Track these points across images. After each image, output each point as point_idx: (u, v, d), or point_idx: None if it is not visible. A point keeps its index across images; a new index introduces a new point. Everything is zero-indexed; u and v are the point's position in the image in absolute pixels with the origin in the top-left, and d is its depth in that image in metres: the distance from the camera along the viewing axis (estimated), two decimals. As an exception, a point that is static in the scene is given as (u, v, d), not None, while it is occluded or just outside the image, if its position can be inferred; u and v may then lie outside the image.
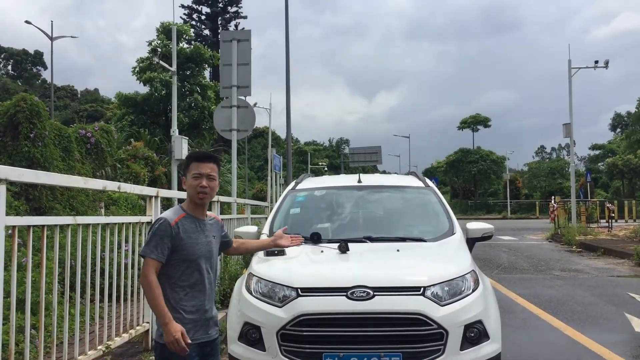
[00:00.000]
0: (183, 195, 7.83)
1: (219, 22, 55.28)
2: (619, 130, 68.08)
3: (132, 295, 4.72)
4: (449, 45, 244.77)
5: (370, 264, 4.34)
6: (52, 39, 35.43)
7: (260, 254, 4.67)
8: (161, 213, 5.34)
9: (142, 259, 2.93)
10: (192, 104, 23.46)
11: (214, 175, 3.10)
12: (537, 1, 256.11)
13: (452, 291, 3.94)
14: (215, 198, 7.54)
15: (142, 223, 4.89)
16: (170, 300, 2.89)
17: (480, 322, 3.92)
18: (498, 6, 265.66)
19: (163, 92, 22.54)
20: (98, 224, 4.17)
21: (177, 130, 13.54)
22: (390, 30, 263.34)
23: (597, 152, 64.72)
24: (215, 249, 3.18)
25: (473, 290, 4.04)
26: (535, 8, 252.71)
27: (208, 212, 3.21)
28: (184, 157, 13.01)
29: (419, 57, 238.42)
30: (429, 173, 61.02)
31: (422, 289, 3.85)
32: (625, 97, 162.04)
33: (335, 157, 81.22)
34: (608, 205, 26.24)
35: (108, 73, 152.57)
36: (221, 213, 7.62)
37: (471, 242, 5.08)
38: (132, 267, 4.74)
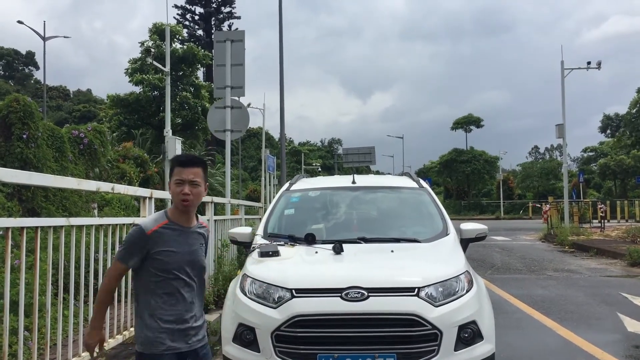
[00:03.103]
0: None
1: (213, 23, 55.16)
2: (608, 131, 68.42)
3: (125, 297, 4.71)
4: (443, 46, 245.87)
5: (364, 265, 4.35)
6: (44, 39, 35.28)
7: (255, 254, 4.67)
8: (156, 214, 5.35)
9: None
10: (185, 105, 23.40)
11: (198, 181, 2.86)
12: (529, 3, 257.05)
13: (446, 292, 3.95)
14: (209, 199, 7.53)
15: (136, 224, 4.88)
16: (146, 308, 2.81)
17: (474, 322, 3.94)
18: (491, 8, 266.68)
19: (155, 92, 22.49)
20: (91, 225, 4.15)
21: (170, 131, 13.52)
22: (385, 32, 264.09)
23: (591, 153, 65.05)
24: (201, 257, 2.99)
25: (467, 291, 4.06)
26: (527, 10, 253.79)
27: (200, 218, 3.06)
28: (177, 157, 12.99)
29: (413, 58, 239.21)
30: (422, 173, 61.12)
31: (416, 289, 3.86)
32: (616, 99, 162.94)
33: (329, 157, 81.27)
34: (600, 205, 26.37)
35: (102, 74, 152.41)
36: (215, 214, 7.60)
37: (465, 242, 5.09)
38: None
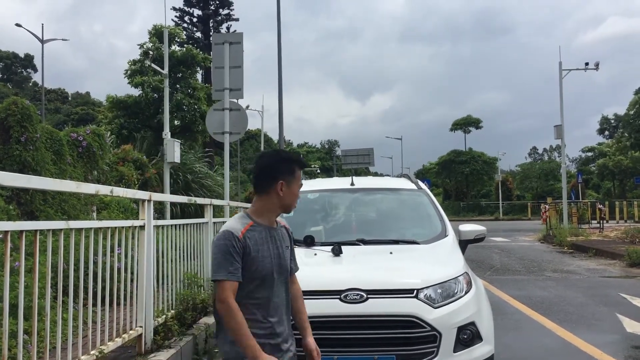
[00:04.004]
0: (177, 199, 7.84)
1: (211, 25, 55.12)
2: (607, 133, 68.55)
3: (124, 299, 4.71)
4: (442, 48, 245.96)
5: (363, 267, 4.35)
6: (42, 41, 35.31)
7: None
8: (155, 217, 5.34)
9: (215, 283, 2.54)
10: (184, 107, 23.40)
11: None
12: (528, 4, 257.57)
13: (445, 293, 3.96)
14: (208, 201, 7.53)
15: (135, 227, 4.88)
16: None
17: (473, 324, 3.94)
18: (490, 9, 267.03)
19: (154, 95, 22.49)
20: (91, 228, 4.15)
21: (169, 133, 13.53)
22: (384, 33, 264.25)
23: (589, 154, 65.14)
24: (288, 260, 2.77)
25: (466, 292, 4.06)
26: (526, 11, 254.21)
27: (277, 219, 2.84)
28: (176, 159, 13.02)
29: (413, 60, 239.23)
30: (421, 175, 61.17)
31: (415, 291, 3.87)
32: (614, 100, 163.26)
33: (327, 159, 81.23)
34: (599, 206, 26.40)
35: (101, 76, 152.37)
36: (214, 216, 7.60)
37: (464, 244, 5.10)
38: (125, 271, 4.72)
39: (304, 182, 6.67)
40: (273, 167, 2.70)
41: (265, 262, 2.58)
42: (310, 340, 2.90)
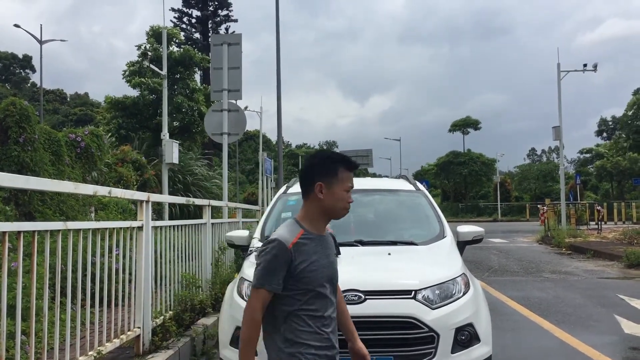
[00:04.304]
0: (175, 200, 7.84)
1: (210, 26, 55.19)
2: (604, 134, 68.66)
3: (123, 300, 4.71)
4: (441, 49, 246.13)
5: (361, 268, 4.35)
6: (41, 42, 35.30)
7: (252, 258, 4.67)
8: (153, 217, 5.34)
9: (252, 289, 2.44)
10: (182, 108, 23.40)
11: None
12: (527, 6, 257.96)
13: (443, 294, 3.96)
14: (207, 202, 7.53)
15: (134, 228, 4.88)
16: (287, 335, 2.43)
17: (471, 325, 3.94)
18: (489, 10, 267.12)
19: (153, 96, 22.48)
20: (89, 229, 4.15)
21: (167, 134, 13.51)
22: (383, 34, 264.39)
23: (587, 155, 65.24)
24: (337, 270, 2.65)
25: (464, 294, 4.07)
26: (525, 12, 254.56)
27: None
28: (174, 160, 12.99)
29: (412, 61, 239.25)
30: (419, 176, 61.23)
31: (413, 292, 3.87)
32: (613, 101, 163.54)
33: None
34: (597, 207, 26.43)
35: (100, 77, 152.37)
36: (212, 217, 7.60)
37: (462, 245, 5.10)
38: (123, 272, 4.72)
39: None
40: (311, 169, 2.58)
41: (317, 274, 2.45)
42: (361, 345, 2.79)
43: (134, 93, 23.31)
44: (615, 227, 27.13)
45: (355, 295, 3.81)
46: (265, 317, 2.47)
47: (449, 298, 3.97)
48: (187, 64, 24.04)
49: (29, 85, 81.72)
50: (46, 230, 3.53)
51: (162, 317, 5.36)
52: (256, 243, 5.06)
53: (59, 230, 3.63)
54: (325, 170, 2.54)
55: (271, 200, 6.43)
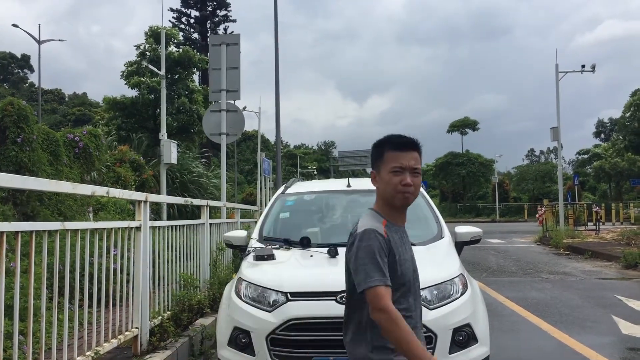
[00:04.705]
0: (173, 200, 7.83)
1: (208, 26, 55.16)
2: (602, 136, 68.75)
3: (120, 301, 4.71)
4: (440, 50, 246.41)
5: (359, 268, 4.35)
6: (39, 42, 35.28)
7: (250, 258, 4.68)
8: (151, 218, 5.34)
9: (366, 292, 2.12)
10: (181, 108, 23.38)
11: (419, 169, 2.30)
12: (526, 7, 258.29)
13: (440, 295, 3.97)
14: (205, 202, 7.52)
15: (132, 228, 4.88)
16: (376, 341, 2.20)
17: (468, 325, 3.95)
18: (488, 11, 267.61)
19: (151, 96, 22.45)
20: (87, 229, 4.15)
21: (165, 134, 13.51)
22: (382, 35, 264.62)
23: (585, 156, 65.33)
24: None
25: (462, 294, 4.07)
26: (524, 13, 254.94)
27: None
28: (173, 160, 13.00)
29: (410, 61, 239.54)
30: (418, 176, 61.08)
31: (411, 292, 3.87)
32: (611, 102, 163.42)
33: (324, 160, 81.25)
34: (595, 208, 26.47)
35: (99, 77, 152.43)
36: (210, 217, 7.60)
37: (460, 245, 5.11)
38: (121, 272, 4.72)
39: (300, 183, 6.69)
40: (371, 160, 2.40)
41: (406, 266, 2.26)
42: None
43: (132, 93, 23.29)
44: (613, 227, 27.16)
45: (353, 296, 3.81)
46: (347, 324, 2.30)
47: (446, 298, 3.97)
48: (186, 65, 24.02)
49: (27, 85, 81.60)
50: (44, 231, 3.53)
51: (160, 317, 5.36)
52: (254, 243, 5.06)
53: (56, 231, 3.64)
54: (375, 156, 2.36)
55: (269, 200, 6.43)
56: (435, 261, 4.58)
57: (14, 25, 34.45)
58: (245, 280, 4.23)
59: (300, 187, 6.37)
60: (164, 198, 9.92)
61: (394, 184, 2.24)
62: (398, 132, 2.40)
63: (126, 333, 4.76)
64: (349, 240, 2.30)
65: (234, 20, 56.77)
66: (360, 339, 2.25)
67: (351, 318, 2.30)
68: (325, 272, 4.33)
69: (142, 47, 23.77)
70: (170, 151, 12.67)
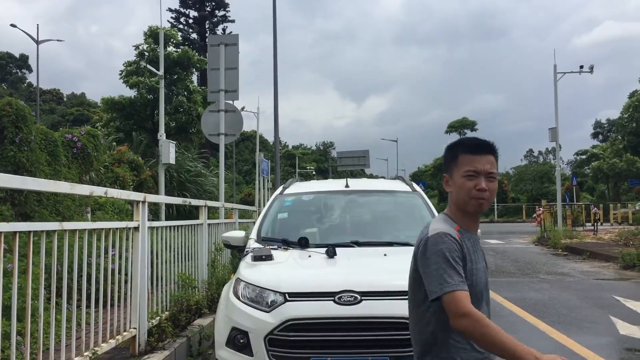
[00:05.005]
0: (171, 200, 7.83)
1: (207, 26, 55.14)
2: (600, 137, 68.81)
3: (119, 301, 4.71)
4: (438, 50, 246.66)
5: (357, 269, 4.36)
6: (37, 42, 35.22)
7: (248, 258, 4.68)
8: (149, 218, 5.34)
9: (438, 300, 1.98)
10: (180, 108, 23.38)
11: (495, 174, 2.15)
12: (524, 7, 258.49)
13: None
14: (203, 203, 7.52)
15: (130, 228, 4.88)
16: (443, 354, 2.07)
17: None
18: (487, 12, 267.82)
19: (150, 96, 22.44)
20: (85, 229, 4.15)
21: (164, 135, 13.51)
22: (381, 35, 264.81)
23: (583, 156, 65.41)
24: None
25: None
26: (523, 14, 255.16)
27: None
28: (171, 160, 13.01)
29: (409, 62, 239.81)
30: (416, 177, 61.33)
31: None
32: (610, 103, 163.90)
33: (323, 160, 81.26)
34: (593, 209, 26.51)
35: (98, 77, 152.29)
36: (209, 218, 7.59)
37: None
38: (119, 273, 4.72)
39: (298, 183, 6.69)
40: (444, 160, 2.29)
41: (479, 276, 2.12)
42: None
43: (130, 93, 23.28)
44: (611, 228, 27.21)
45: (351, 296, 3.82)
46: (413, 336, 2.18)
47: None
48: (185, 65, 24.02)
49: (25, 85, 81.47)
50: (42, 231, 3.53)
51: (158, 317, 5.36)
52: (252, 244, 5.06)
53: (55, 231, 3.63)
54: (448, 159, 2.24)
55: (268, 200, 6.43)
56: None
57: (12, 25, 34.44)
58: (244, 281, 4.23)
59: (298, 187, 6.38)
60: (162, 198, 9.92)
61: (467, 188, 2.12)
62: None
63: (124, 333, 4.75)
64: (417, 244, 2.16)
65: (233, 21, 56.72)
66: (424, 353, 2.13)
67: (414, 329, 2.17)
68: (324, 272, 4.33)
69: (141, 48, 23.77)
70: (169, 151, 12.67)
